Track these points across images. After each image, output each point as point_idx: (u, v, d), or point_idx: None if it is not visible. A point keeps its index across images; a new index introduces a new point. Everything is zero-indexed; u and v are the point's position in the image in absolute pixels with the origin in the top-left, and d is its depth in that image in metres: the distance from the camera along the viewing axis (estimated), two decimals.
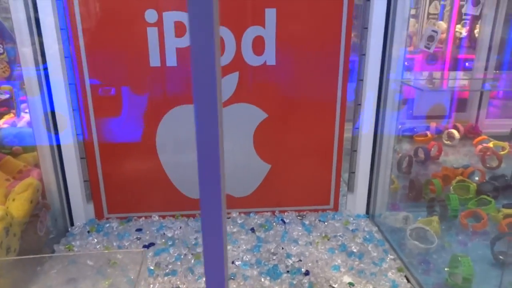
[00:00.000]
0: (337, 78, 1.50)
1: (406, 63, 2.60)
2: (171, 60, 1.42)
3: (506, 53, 2.85)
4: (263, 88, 1.49)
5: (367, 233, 1.52)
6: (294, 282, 1.25)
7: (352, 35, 1.47)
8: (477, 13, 2.56)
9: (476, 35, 2.81)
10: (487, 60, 2.73)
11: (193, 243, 1.45)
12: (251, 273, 1.29)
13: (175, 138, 1.53)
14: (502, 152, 2.23)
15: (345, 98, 1.53)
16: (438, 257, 1.39)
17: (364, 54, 1.49)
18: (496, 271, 1.33)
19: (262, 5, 1.38)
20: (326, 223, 1.59)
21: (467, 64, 2.94)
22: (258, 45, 1.43)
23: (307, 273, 1.29)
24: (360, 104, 1.55)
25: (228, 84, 1.46)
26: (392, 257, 1.39)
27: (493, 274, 1.32)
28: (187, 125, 1.49)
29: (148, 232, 1.51)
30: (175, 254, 1.37)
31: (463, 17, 2.90)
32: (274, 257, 1.37)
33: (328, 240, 1.48)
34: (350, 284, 1.25)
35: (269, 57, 1.44)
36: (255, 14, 1.39)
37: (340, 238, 1.48)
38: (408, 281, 1.28)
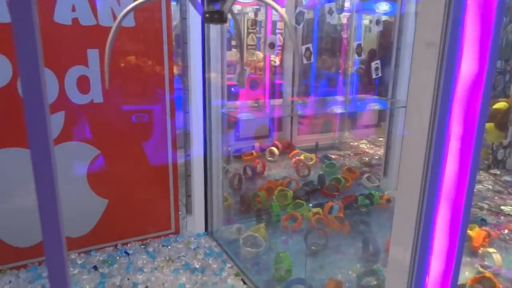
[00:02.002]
0: (165, 112, 1.63)
1: (232, 89, 2.93)
2: None
3: (311, 78, 3.49)
4: (92, 125, 1.51)
5: (207, 249, 1.67)
6: None
7: (176, 70, 1.64)
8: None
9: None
10: (292, 85, 3.28)
11: None
12: None
13: None
14: (310, 163, 2.71)
15: (174, 128, 1.67)
16: (267, 257, 1.63)
17: (187, 89, 1.67)
18: (309, 259, 1.64)
19: (85, 46, 1.42)
20: (169, 247, 1.68)
21: (283, 88, 3.46)
22: (83, 84, 1.45)
23: None
24: (188, 133, 1.72)
25: (54, 123, 1.44)
26: (229, 265, 1.56)
27: (308, 262, 1.62)
28: (9, 171, 1.40)
29: None
30: None
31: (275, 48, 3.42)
32: None
33: (173, 262, 1.57)
34: None
35: (96, 95, 1.48)
36: (77, 55, 1.42)
37: (183, 258, 1.59)
38: (245, 283, 1.47)
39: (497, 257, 1.46)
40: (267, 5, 0.92)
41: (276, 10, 0.86)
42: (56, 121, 1.44)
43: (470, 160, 0.72)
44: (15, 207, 1.43)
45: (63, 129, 1.46)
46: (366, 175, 2.45)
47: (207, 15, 0.94)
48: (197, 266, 1.54)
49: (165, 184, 1.70)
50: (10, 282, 1.41)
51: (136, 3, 0.97)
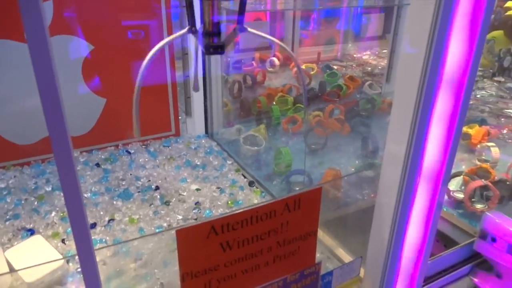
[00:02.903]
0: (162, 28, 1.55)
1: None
2: None
3: None
4: (86, 19, 1.44)
5: (207, 148, 1.68)
6: (146, 197, 1.34)
7: None
8: None
9: None
10: None
11: (32, 188, 1.38)
12: (102, 199, 1.32)
13: None
14: (312, 72, 2.65)
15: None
16: (266, 156, 1.65)
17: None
18: (309, 157, 1.66)
19: None
20: (170, 147, 1.69)
21: None
22: None
23: (157, 188, 1.39)
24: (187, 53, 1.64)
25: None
26: (230, 162, 1.59)
27: (307, 159, 1.64)
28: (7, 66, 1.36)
29: None
30: (14, 200, 1.30)
31: None
32: (124, 182, 1.42)
33: (174, 160, 1.60)
34: (197, 189, 1.40)
35: None
36: None
37: (184, 156, 1.61)
38: (245, 177, 1.51)
39: (495, 150, 1.48)
40: None
41: None
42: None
43: None
44: (17, 106, 1.42)
45: (52, 21, 1.39)
46: (368, 82, 2.41)
47: (211, 49, 0.89)
48: (198, 163, 1.56)
49: (164, 86, 1.67)
50: (15, 177, 1.43)
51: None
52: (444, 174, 0.80)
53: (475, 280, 1.00)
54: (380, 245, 0.84)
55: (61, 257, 1.01)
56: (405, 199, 0.79)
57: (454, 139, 0.78)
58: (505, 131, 1.82)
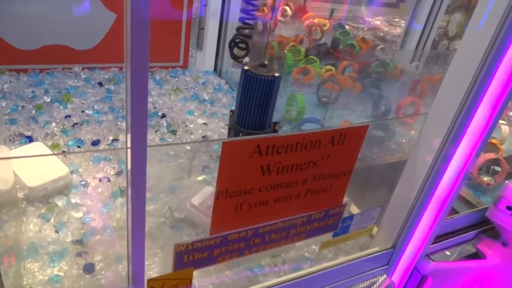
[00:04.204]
0: None
1: None
2: None
3: None
4: None
5: (216, 85, 1.61)
6: (152, 123, 1.27)
7: None
8: None
9: None
10: None
11: (30, 96, 1.29)
12: (106, 118, 1.25)
13: None
14: (324, 28, 2.55)
15: None
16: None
17: None
18: (319, 109, 1.62)
19: None
20: (176, 78, 1.61)
21: None
22: None
23: (163, 116, 1.33)
24: None
25: None
26: None
27: (317, 111, 1.60)
28: None
29: None
30: (11, 105, 1.21)
31: None
32: None
33: (180, 91, 1.52)
34: (204, 123, 1.35)
35: None
36: None
37: (192, 89, 1.54)
38: None
39: (505, 128, 1.47)
40: None
41: None
42: None
43: None
44: (21, 7, 1.29)
45: None
46: (380, 46, 2.34)
47: None
48: (206, 98, 1.50)
49: (179, 15, 1.56)
50: (10, 82, 1.33)
51: None
52: (484, 137, 0.78)
53: (478, 245, 1.01)
54: (406, 198, 0.82)
55: (65, 166, 0.95)
56: (444, 157, 0.76)
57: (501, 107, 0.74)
58: (510, 113, 1.82)
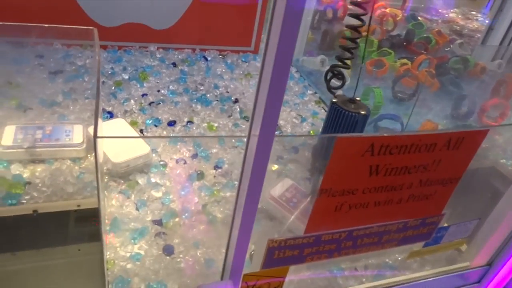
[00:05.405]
0: None
1: None
2: None
3: None
4: None
5: None
6: (225, 108, 1.26)
7: None
8: None
9: None
10: None
11: (109, 72, 1.32)
12: (181, 99, 1.25)
13: None
14: (397, 18, 2.42)
15: None
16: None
17: None
18: (393, 105, 1.54)
19: None
20: (247, 63, 1.58)
21: None
22: None
23: (236, 101, 1.31)
24: None
25: None
26: (311, 92, 1.48)
27: (391, 107, 1.52)
28: None
29: (51, 59, 1.31)
30: (92, 81, 1.24)
31: None
32: (202, 88, 1.34)
33: (252, 77, 1.49)
34: None
35: None
36: None
37: None
38: (325, 111, 1.40)
39: None
40: None
41: None
42: None
43: None
44: None
45: None
46: (458, 41, 2.18)
47: None
48: None
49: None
50: (91, 57, 1.36)
51: None
52: None
53: None
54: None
55: (147, 145, 0.95)
56: None
57: None
58: None
